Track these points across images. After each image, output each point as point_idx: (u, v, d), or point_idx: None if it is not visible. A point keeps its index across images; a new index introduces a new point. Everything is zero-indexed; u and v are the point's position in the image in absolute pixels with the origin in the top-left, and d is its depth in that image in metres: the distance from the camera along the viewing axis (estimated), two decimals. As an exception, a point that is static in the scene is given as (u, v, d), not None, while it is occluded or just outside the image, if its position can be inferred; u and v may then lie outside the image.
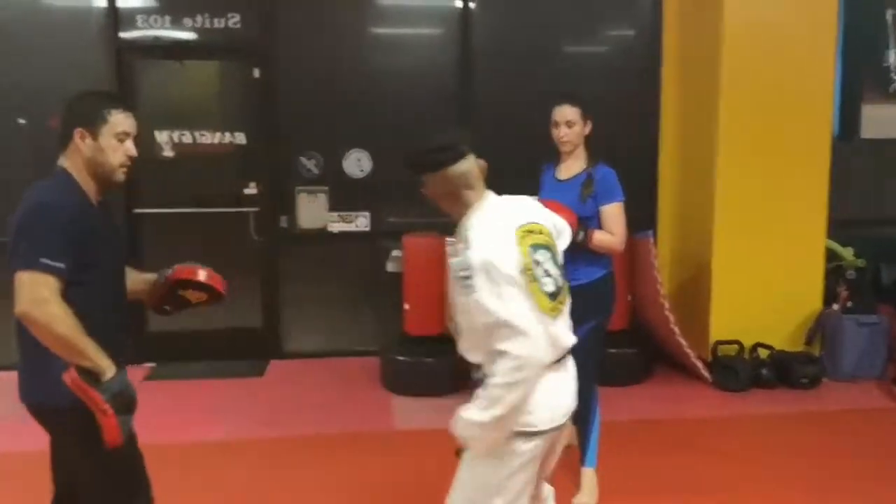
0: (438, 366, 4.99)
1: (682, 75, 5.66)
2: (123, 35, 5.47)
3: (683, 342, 5.06)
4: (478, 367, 2.29)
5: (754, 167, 5.11)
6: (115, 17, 5.44)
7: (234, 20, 5.52)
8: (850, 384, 5.24)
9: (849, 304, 5.36)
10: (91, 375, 2.16)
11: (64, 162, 2.34)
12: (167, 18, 5.49)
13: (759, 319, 5.22)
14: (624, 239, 3.48)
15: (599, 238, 3.43)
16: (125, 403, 2.20)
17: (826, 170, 5.27)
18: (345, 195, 5.74)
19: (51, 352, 2.16)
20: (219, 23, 5.51)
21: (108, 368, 2.18)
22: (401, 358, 5.12)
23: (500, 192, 2.90)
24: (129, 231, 5.46)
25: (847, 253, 5.65)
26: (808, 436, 4.33)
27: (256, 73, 5.61)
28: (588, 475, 3.58)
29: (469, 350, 2.31)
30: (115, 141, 2.33)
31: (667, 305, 5.02)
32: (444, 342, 4.60)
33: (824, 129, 5.28)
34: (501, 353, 2.09)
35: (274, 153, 5.69)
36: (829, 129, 5.33)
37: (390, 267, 5.41)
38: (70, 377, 2.14)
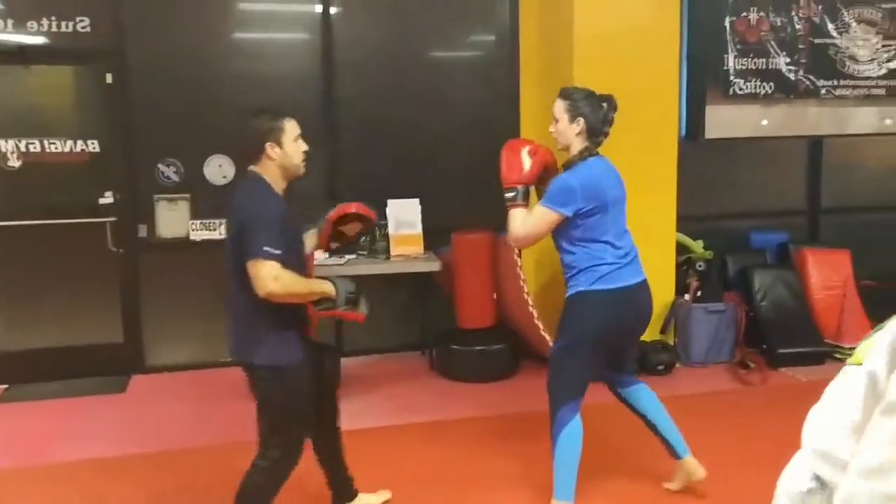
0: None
1: (539, 77, 5.85)
2: (-37, 39, 5.18)
3: (547, 336, 5.21)
4: None
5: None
6: (-47, 21, 5.15)
7: (83, 24, 5.30)
8: (701, 369, 5.56)
9: (698, 293, 5.69)
10: (325, 301, 2.96)
11: (257, 169, 2.98)
12: (10, 22, 5.22)
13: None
14: (521, 236, 3.33)
15: (513, 214, 3.31)
16: (354, 299, 3.02)
17: (674, 168, 5.57)
18: (207, 202, 5.62)
19: (254, 323, 2.92)
20: (67, 27, 5.28)
21: (330, 289, 2.98)
22: (269, 366, 5.06)
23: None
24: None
25: (697, 246, 5.99)
26: (616, 423, 4.52)
27: (109, 78, 5.41)
28: None
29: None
30: (293, 144, 2.98)
31: (530, 302, 5.17)
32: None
33: (671, 130, 5.58)
34: None
35: (130, 161, 5.52)
36: (676, 130, 5.64)
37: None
38: (313, 312, 3.01)
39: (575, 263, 3.29)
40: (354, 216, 3.31)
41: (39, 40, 5.28)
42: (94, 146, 5.43)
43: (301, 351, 3.02)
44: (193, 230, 5.59)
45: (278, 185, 2.99)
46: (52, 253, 5.43)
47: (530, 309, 5.16)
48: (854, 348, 5.21)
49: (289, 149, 2.97)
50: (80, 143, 5.40)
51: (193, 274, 5.72)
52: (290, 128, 2.99)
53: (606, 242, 3.26)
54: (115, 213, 5.51)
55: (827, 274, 6.07)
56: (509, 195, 3.29)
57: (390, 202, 5.36)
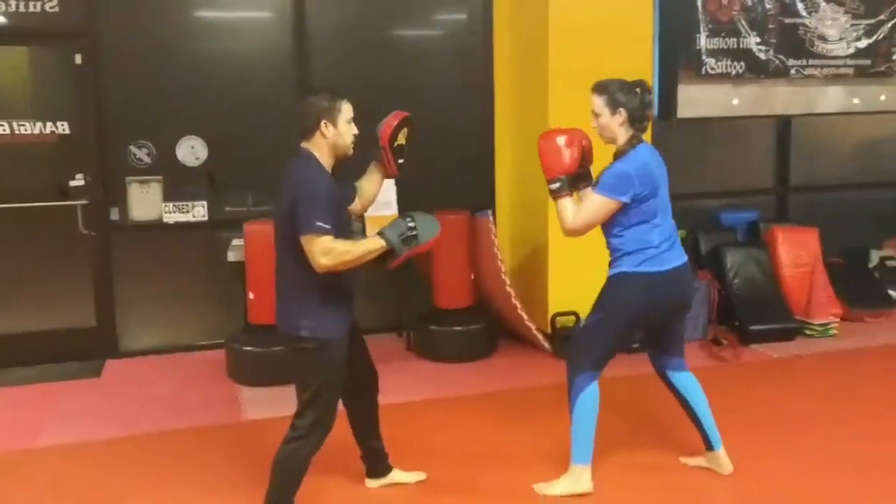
0: (285, 353, 4.93)
1: (513, 57, 5.85)
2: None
3: (525, 316, 5.26)
4: None
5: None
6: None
7: (51, 4, 5.20)
8: (676, 347, 5.63)
9: (672, 272, 5.74)
10: (387, 254, 3.01)
11: (309, 146, 3.05)
12: (-25, 1, 5.10)
13: (594, 290, 5.43)
14: (579, 225, 3.31)
15: (563, 205, 3.32)
16: (412, 235, 3.02)
17: (648, 147, 5.60)
18: (180, 184, 5.56)
19: (301, 297, 3.03)
20: (34, 6, 5.17)
21: (381, 243, 2.98)
22: (247, 348, 5.04)
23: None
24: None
25: (669, 225, 6.04)
26: (637, 396, 4.58)
27: (78, 59, 5.31)
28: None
29: None
30: (346, 125, 3.07)
31: (508, 282, 5.20)
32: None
33: (645, 109, 5.60)
34: None
35: (101, 143, 5.43)
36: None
37: (231, 256, 5.29)
38: (387, 266, 3.07)
39: (622, 246, 3.35)
40: (399, 125, 3.29)
41: (7, 20, 5.17)
42: (63, 128, 5.34)
43: (346, 326, 3.12)
44: (166, 212, 5.53)
45: (327, 162, 3.06)
46: (23, 237, 5.36)
47: (507, 288, 5.19)
48: (823, 325, 5.38)
49: (342, 129, 3.05)
50: (49, 124, 5.30)
51: (167, 257, 5.68)
52: (346, 109, 3.07)
53: (655, 225, 3.32)
54: (87, 196, 5.43)
55: (796, 252, 6.16)
56: (555, 186, 3.31)
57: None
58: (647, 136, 5.46)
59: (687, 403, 3.62)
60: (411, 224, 3.04)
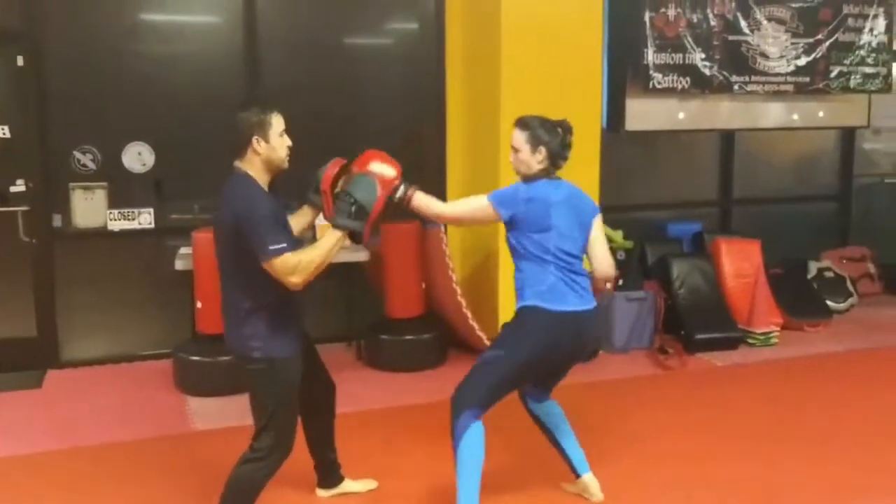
0: (234, 363, 4.86)
1: (464, 66, 5.88)
2: None
3: (475, 325, 5.28)
4: None
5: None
6: None
7: (-9, 4, 5.08)
8: (622, 355, 5.72)
9: (619, 282, 5.83)
10: (351, 238, 3.01)
11: (242, 164, 2.93)
12: (-88, 0, 4.95)
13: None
14: (454, 212, 3.40)
15: (422, 200, 3.26)
16: (359, 213, 2.99)
17: (596, 159, 5.67)
18: (126, 191, 5.46)
19: (247, 318, 2.92)
20: (-26, 7, 5.05)
21: (338, 236, 2.95)
22: (194, 358, 4.96)
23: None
24: None
25: (617, 236, 6.14)
26: (589, 403, 4.65)
27: (20, 61, 5.18)
28: None
29: None
30: (279, 138, 2.94)
31: (459, 291, 5.21)
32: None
33: (594, 122, 5.69)
34: None
35: (44, 147, 5.31)
36: (599, 122, 5.76)
37: (179, 265, 5.20)
38: (360, 243, 3.20)
39: (520, 280, 3.29)
40: (339, 173, 3.18)
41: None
42: (4, 132, 5.20)
43: (297, 343, 3.05)
44: (111, 220, 5.43)
45: (262, 179, 2.94)
46: (-40, 243, 5.20)
47: (459, 298, 5.20)
48: (765, 334, 5.50)
49: (275, 142, 2.93)
50: (-11, 128, 5.17)
51: (111, 265, 5.57)
52: (277, 122, 2.94)
53: (548, 262, 3.21)
54: (28, 202, 5.29)
55: (739, 263, 6.31)
56: (401, 189, 3.18)
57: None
58: (595, 148, 5.63)
59: (552, 432, 3.52)
60: (351, 200, 2.99)
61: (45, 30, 5.24)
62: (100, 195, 5.42)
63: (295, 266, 2.83)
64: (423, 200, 3.28)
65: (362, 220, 3.01)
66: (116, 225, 5.45)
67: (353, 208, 2.99)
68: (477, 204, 3.32)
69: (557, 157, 3.29)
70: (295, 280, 2.84)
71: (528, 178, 3.31)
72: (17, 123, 5.23)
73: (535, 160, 3.27)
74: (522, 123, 3.33)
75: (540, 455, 3.76)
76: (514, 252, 3.31)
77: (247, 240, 2.82)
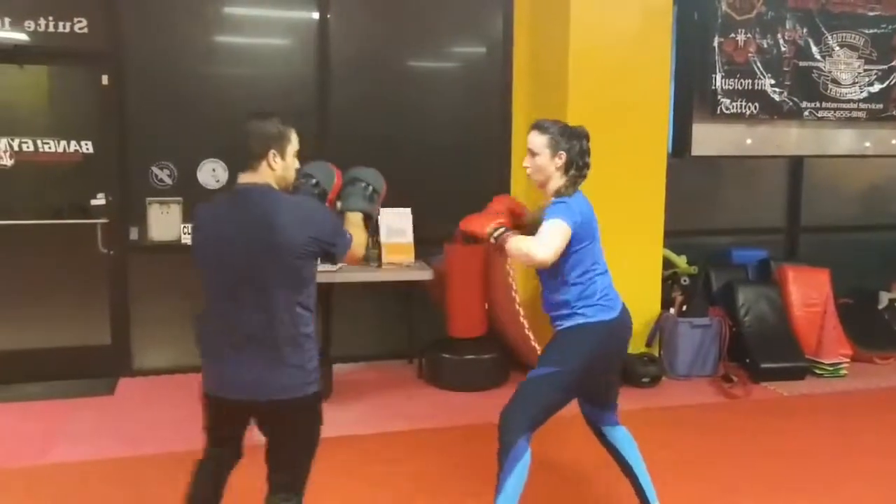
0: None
1: (532, 92, 5.94)
2: (-43, 37, 5.15)
3: (537, 347, 5.28)
4: None
5: (597, 182, 5.31)
6: (-52, 18, 5.12)
7: (80, 25, 5.31)
8: (685, 382, 5.66)
9: (684, 308, 5.79)
10: (366, 220, 2.94)
11: (256, 179, 2.59)
12: (6, 20, 5.20)
13: (605, 324, 5.52)
14: (544, 249, 2.97)
15: (515, 244, 3.06)
16: (323, 195, 2.91)
17: (662, 184, 5.68)
18: (200, 206, 5.62)
19: (304, 350, 2.62)
20: (64, 27, 5.28)
21: (354, 218, 2.91)
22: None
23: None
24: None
25: (681, 261, 6.10)
26: (652, 428, 4.62)
27: (105, 79, 5.41)
28: None
29: None
30: (293, 159, 2.66)
31: (521, 312, 5.23)
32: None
33: (660, 147, 5.69)
34: None
35: (124, 163, 5.52)
36: (665, 147, 5.76)
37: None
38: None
39: (571, 299, 3.12)
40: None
41: (34, 40, 5.27)
42: (87, 147, 5.43)
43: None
44: (185, 234, 5.60)
45: None
46: (42, 253, 5.41)
47: (521, 319, 5.23)
48: (833, 365, 5.37)
49: (290, 162, 2.66)
50: (73, 143, 5.39)
51: (183, 278, 5.69)
52: (295, 140, 2.68)
53: (598, 273, 3.14)
54: (107, 215, 5.50)
55: (807, 291, 6.19)
56: (497, 232, 3.11)
57: (382, 211, 5.39)
58: (662, 173, 5.61)
59: (625, 460, 3.40)
60: (364, 184, 2.99)
61: (128, 51, 5.47)
62: (175, 210, 5.60)
63: (358, 240, 2.80)
64: (516, 243, 3.08)
65: (325, 197, 2.93)
66: (190, 239, 5.60)
67: (316, 190, 2.92)
68: (558, 228, 3.02)
69: (577, 165, 3.16)
70: (360, 252, 2.79)
71: (558, 192, 3.16)
72: (100, 139, 5.46)
73: (554, 165, 3.14)
74: (541, 127, 3.18)
75: (578, 484, 3.73)
76: (559, 269, 3.10)
77: (327, 248, 2.62)
